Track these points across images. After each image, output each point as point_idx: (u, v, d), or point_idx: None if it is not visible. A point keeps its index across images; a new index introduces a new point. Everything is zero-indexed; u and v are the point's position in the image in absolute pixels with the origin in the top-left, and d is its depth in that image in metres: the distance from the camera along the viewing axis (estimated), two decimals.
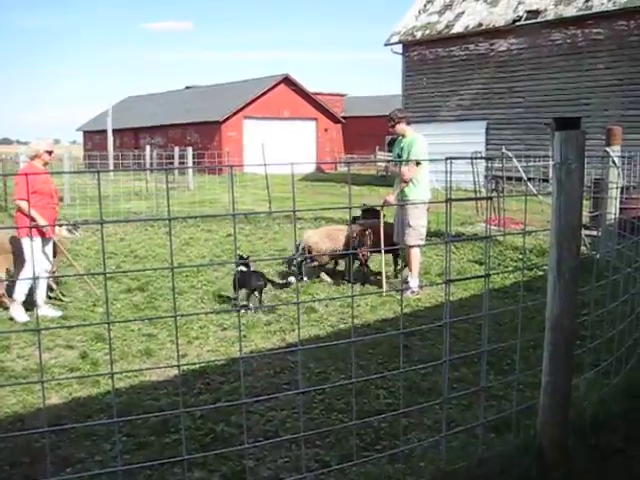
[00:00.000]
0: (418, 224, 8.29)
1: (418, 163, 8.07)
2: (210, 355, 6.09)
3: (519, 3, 23.85)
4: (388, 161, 29.37)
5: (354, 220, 9.33)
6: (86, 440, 4.34)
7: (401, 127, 8.52)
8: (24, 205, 7.16)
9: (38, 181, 7.29)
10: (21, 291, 7.35)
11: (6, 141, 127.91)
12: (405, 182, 8.24)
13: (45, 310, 7.51)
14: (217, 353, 6.15)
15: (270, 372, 5.54)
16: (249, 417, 4.54)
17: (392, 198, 8.37)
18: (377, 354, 5.89)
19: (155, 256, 11.32)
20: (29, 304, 7.42)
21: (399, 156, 8.63)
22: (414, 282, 8.32)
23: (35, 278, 6.96)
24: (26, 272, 7.45)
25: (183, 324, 6.86)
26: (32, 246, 6.93)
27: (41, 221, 7.23)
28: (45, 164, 7.58)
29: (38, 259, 7.31)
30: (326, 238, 9.13)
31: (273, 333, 6.68)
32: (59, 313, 7.57)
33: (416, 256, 8.50)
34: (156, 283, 8.96)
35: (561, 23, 22.21)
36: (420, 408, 4.32)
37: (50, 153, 7.54)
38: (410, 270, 8.42)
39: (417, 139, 8.46)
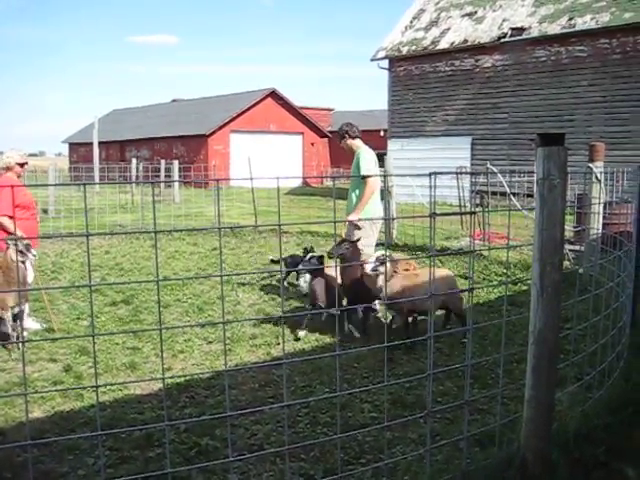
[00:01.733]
0: (362, 243, 7.56)
1: (363, 177, 7.69)
2: (195, 368, 6.07)
3: (504, 20, 24.13)
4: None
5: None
6: (69, 454, 4.31)
7: (350, 142, 8.10)
8: (6, 222, 6.96)
9: (19, 194, 7.21)
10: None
11: None
12: (364, 199, 7.73)
13: (29, 323, 7.45)
14: (202, 367, 6.12)
15: (255, 386, 5.53)
16: (234, 431, 4.53)
17: (354, 216, 7.68)
18: (362, 368, 5.90)
19: (140, 269, 11.28)
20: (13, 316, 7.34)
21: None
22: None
23: (18, 290, 6.85)
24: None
25: (168, 337, 6.84)
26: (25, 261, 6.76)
27: (20, 234, 6.83)
28: (18, 176, 7.44)
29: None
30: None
31: (258, 347, 6.66)
32: (42, 326, 7.51)
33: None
34: (141, 296, 8.92)
35: (545, 40, 22.48)
36: (404, 422, 4.34)
37: (22, 165, 7.41)
38: None
39: (362, 152, 7.95)
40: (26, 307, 7.55)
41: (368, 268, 6.56)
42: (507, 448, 3.52)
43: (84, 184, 2.61)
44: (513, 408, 4.40)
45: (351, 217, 7.73)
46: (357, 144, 8.12)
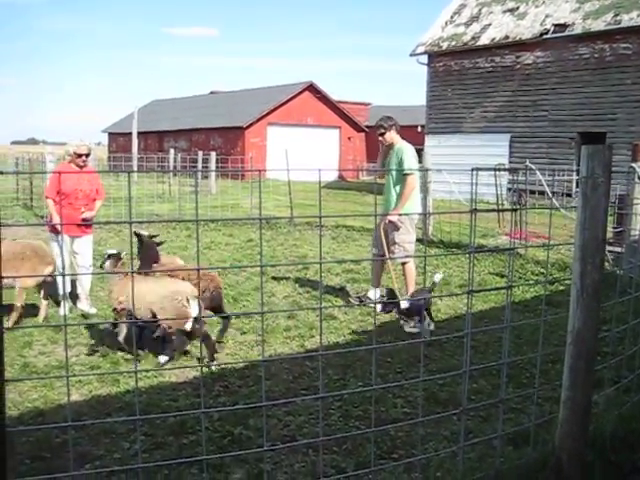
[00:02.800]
0: (404, 240, 7.86)
1: (406, 174, 7.67)
2: (229, 358, 6.13)
3: (546, 16, 23.77)
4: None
5: None
6: (105, 437, 4.39)
7: (390, 135, 8.03)
8: (48, 203, 7.62)
9: (64, 182, 7.44)
10: (57, 286, 7.64)
11: (32, 141, 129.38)
12: (405, 196, 7.74)
13: (84, 306, 7.79)
14: (236, 357, 6.18)
15: (289, 377, 5.56)
16: (267, 421, 4.56)
17: (395, 214, 7.68)
18: (395, 363, 5.89)
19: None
20: (74, 298, 7.85)
21: (383, 165, 8.28)
22: (372, 293, 8.22)
23: (63, 275, 7.29)
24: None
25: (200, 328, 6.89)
26: (58, 243, 7.24)
27: (55, 219, 7.41)
28: (77, 165, 7.60)
29: (59, 255, 7.36)
30: None
31: (292, 339, 6.70)
32: (93, 310, 7.74)
33: (409, 274, 7.98)
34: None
35: (589, 37, 22.09)
36: (438, 418, 4.33)
37: (80, 155, 7.55)
38: (407, 288, 8.01)
39: (406, 148, 7.93)
40: (84, 290, 7.79)
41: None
42: (541, 448, 3.49)
43: (129, 172, 2.65)
44: (548, 408, 4.36)
45: (392, 216, 7.71)
46: (398, 139, 8.08)
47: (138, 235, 7.06)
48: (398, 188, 7.85)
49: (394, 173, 7.86)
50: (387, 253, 7.86)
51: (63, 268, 6.66)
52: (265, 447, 3.26)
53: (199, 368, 5.62)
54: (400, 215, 7.69)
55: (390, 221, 7.75)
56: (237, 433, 4.42)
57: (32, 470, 3.87)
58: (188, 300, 5.65)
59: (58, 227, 7.31)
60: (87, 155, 7.66)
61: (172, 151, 28.19)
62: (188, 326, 5.69)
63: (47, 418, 4.70)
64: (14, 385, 5.16)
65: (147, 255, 7.08)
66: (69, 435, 3.90)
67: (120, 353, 6.19)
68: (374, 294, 8.20)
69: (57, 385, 5.31)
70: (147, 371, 5.60)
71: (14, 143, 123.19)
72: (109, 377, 5.47)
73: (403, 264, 7.99)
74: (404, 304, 6.69)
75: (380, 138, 8.14)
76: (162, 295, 5.81)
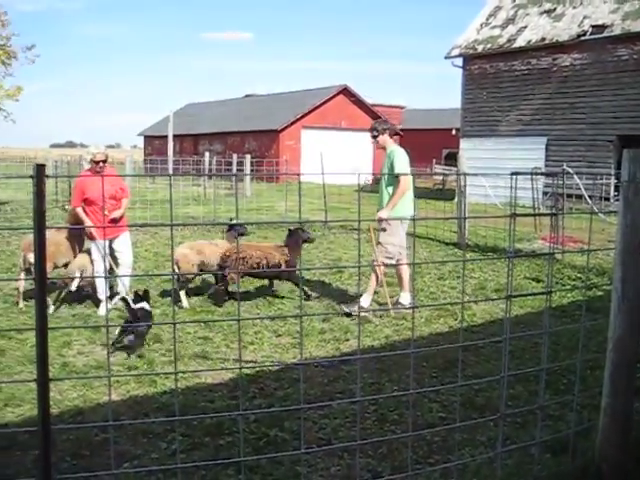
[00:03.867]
0: (387, 241, 7.84)
1: (396, 176, 7.66)
2: (264, 360, 6.15)
3: (584, 17, 23.46)
4: (444, 174, 29.18)
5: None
6: (143, 437, 4.44)
7: (383, 139, 8.06)
8: (77, 212, 7.82)
9: (88, 188, 7.71)
10: (97, 289, 7.88)
11: (70, 144, 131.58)
12: (396, 198, 7.73)
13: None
14: (271, 359, 6.21)
15: (324, 380, 5.57)
16: (303, 424, 4.58)
17: (385, 214, 7.70)
18: (430, 367, 5.86)
19: None
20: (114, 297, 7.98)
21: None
22: (405, 299, 8.13)
23: (99, 277, 7.56)
24: (96, 272, 7.86)
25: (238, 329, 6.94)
26: (93, 248, 7.65)
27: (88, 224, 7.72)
28: (97, 171, 7.69)
29: (97, 260, 7.75)
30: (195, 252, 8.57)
31: (327, 342, 6.71)
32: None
33: (404, 273, 8.09)
34: (212, 288, 9.08)
35: (628, 38, 21.74)
36: (474, 423, 4.29)
37: (97, 163, 7.65)
38: (400, 288, 8.20)
39: (397, 151, 7.96)
40: (125, 288, 7.92)
41: None
42: (581, 457, 3.44)
43: (170, 175, 2.69)
44: (587, 416, 4.30)
45: (381, 214, 7.75)
46: (390, 142, 8.15)
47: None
48: (390, 190, 7.83)
49: (387, 176, 7.90)
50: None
51: (104, 271, 6.82)
52: (302, 450, 3.27)
53: (234, 370, 5.68)
54: (386, 217, 7.67)
55: (379, 221, 7.77)
56: (273, 435, 4.44)
57: (72, 467, 3.94)
58: None
59: (93, 233, 7.64)
60: (104, 161, 7.74)
61: (207, 154, 28.44)
62: None
63: (86, 417, 4.78)
64: (54, 384, 5.24)
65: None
66: (110, 434, 3.96)
67: (155, 354, 6.26)
68: (405, 299, 8.16)
69: (95, 385, 5.39)
70: (184, 372, 5.65)
71: (53, 146, 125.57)
72: (146, 378, 5.54)
73: (395, 266, 8.04)
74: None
75: (372, 141, 8.27)
76: None
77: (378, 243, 7.96)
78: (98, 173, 7.69)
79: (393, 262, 7.99)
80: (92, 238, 7.80)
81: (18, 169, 27.64)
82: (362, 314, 7.39)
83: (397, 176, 7.67)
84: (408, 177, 7.75)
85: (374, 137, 8.14)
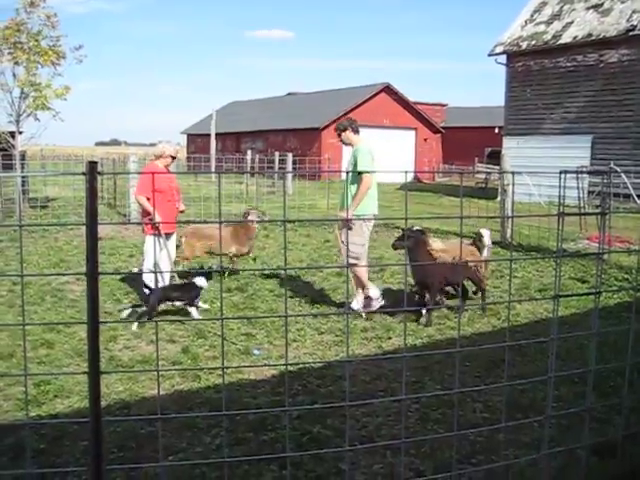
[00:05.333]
0: (352, 241, 7.59)
1: (359, 173, 7.50)
2: (307, 358, 6.19)
3: (633, 12, 22.92)
4: (489, 172, 28.87)
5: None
6: (187, 431, 4.51)
7: (346, 135, 7.97)
8: (142, 201, 7.88)
9: (158, 180, 7.83)
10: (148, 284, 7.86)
11: (115, 142, 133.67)
12: (359, 196, 7.58)
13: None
14: (314, 356, 6.24)
15: (366, 378, 5.57)
16: (345, 421, 4.59)
17: (343, 213, 7.64)
18: (474, 367, 5.82)
19: (254, 258, 11.56)
20: None
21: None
22: (355, 302, 7.88)
23: (155, 272, 7.74)
24: (145, 267, 8.16)
25: (281, 326, 7.00)
26: (152, 243, 7.73)
27: (157, 218, 7.67)
28: (166, 166, 8.09)
29: (150, 254, 7.93)
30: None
31: (369, 340, 6.71)
32: (206, 307, 7.96)
33: (359, 275, 7.87)
34: (255, 284, 9.16)
35: None
36: (519, 424, 4.26)
37: (174, 158, 8.20)
38: (355, 289, 7.97)
39: (361, 149, 7.79)
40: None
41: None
42: (629, 461, 3.39)
43: (219, 173, 2.72)
44: (635, 420, 4.23)
45: (342, 213, 7.70)
46: (357, 139, 7.99)
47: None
48: (354, 188, 7.65)
49: (351, 174, 7.80)
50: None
51: (155, 265, 6.99)
52: (345, 447, 3.28)
53: (277, 367, 5.72)
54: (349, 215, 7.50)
55: (344, 220, 7.60)
56: (316, 432, 4.47)
57: (119, 459, 4.02)
58: None
59: (158, 225, 7.70)
60: (176, 157, 8.33)
61: (249, 152, 28.62)
62: None
63: (132, 410, 4.88)
64: (102, 377, 5.34)
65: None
66: (157, 427, 4.03)
67: (200, 349, 6.35)
68: (358, 302, 7.97)
69: (141, 379, 5.49)
70: (228, 368, 5.72)
71: (98, 144, 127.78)
72: (190, 373, 5.62)
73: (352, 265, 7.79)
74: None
75: (337, 139, 8.22)
76: None
77: (342, 242, 7.88)
78: (167, 167, 8.11)
79: (362, 263, 7.82)
80: (155, 230, 7.79)
81: (65, 167, 28.16)
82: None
83: (360, 174, 7.52)
84: (370, 175, 7.56)
85: (338, 135, 8.11)
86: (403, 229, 7.29)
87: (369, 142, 8.14)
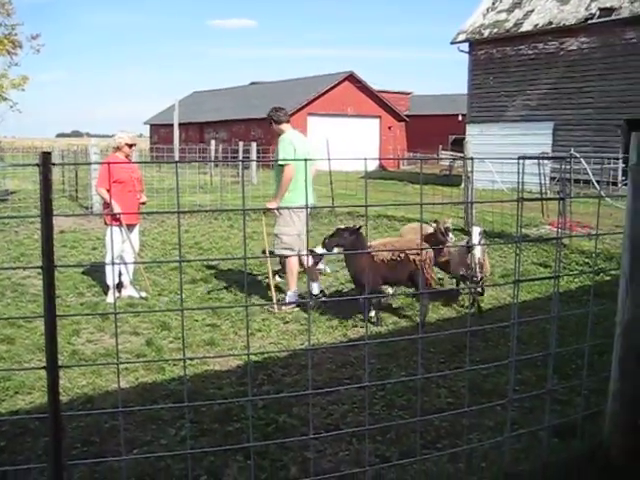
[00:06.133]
0: (281, 232, 7.76)
1: (281, 165, 7.55)
2: (272, 347, 6.17)
3: (592, 0, 23.23)
4: (454, 159, 29.09)
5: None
6: (152, 424, 4.46)
7: (275, 127, 7.95)
8: (102, 193, 7.83)
9: (118, 171, 7.76)
10: (107, 276, 7.82)
11: (76, 134, 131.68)
12: (282, 187, 7.63)
13: (131, 291, 8.07)
14: (279, 346, 6.22)
15: (332, 366, 5.58)
16: (311, 410, 4.60)
17: (273, 204, 7.63)
18: (438, 353, 5.87)
19: (219, 248, 11.50)
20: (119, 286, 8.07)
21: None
22: (289, 295, 7.74)
23: (113, 264, 7.62)
24: (107, 259, 8.12)
25: (245, 316, 6.95)
26: (111, 234, 7.51)
27: (117, 209, 7.64)
28: (126, 156, 8.02)
29: (110, 246, 7.77)
30: None
31: (335, 328, 6.72)
32: (140, 295, 7.99)
33: (289, 267, 7.88)
34: (220, 275, 9.11)
35: (636, 21, 21.50)
36: (482, 408, 4.30)
37: (131, 146, 8.02)
38: (288, 283, 7.92)
39: (282, 140, 7.75)
40: (128, 275, 8.00)
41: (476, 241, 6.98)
42: (589, 441, 3.45)
43: (176, 162, 2.68)
44: (594, 401, 4.29)
45: (269, 204, 7.72)
46: (282, 129, 7.90)
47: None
48: (279, 179, 7.69)
49: (276, 165, 7.78)
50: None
51: (112, 258, 6.89)
52: (310, 435, 3.28)
53: (242, 357, 5.70)
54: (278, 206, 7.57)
55: (271, 211, 7.69)
56: (281, 421, 4.46)
57: (83, 454, 3.97)
58: None
59: (118, 217, 7.68)
60: (134, 145, 8.18)
61: (213, 142, 28.40)
62: None
63: (96, 404, 4.81)
64: (64, 372, 5.27)
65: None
66: (119, 421, 3.98)
67: (164, 341, 6.30)
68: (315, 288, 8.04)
69: (104, 372, 5.42)
70: (192, 359, 5.68)
71: (59, 136, 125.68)
72: (155, 365, 5.56)
73: (285, 257, 7.87)
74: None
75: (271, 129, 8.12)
76: None
77: (274, 234, 7.90)
78: (127, 157, 8.04)
79: (293, 253, 7.78)
80: (116, 221, 7.76)
81: (25, 159, 27.65)
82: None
83: (281, 165, 7.53)
84: (292, 166, 7.47)
85: (269, 124, 8.07)
86: (338, 228, 7.21)
87: (294, 132, 8.03)
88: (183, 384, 5.01)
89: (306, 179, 6.22)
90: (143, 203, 8.24)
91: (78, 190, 18.94)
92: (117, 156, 8.01)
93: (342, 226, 7.34)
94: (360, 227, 6.94)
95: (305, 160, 6.60)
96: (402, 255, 6.72)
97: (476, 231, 7.10)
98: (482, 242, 6.83)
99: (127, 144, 7.94)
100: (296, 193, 7.59)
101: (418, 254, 6.64)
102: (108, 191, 7.59)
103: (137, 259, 8.29)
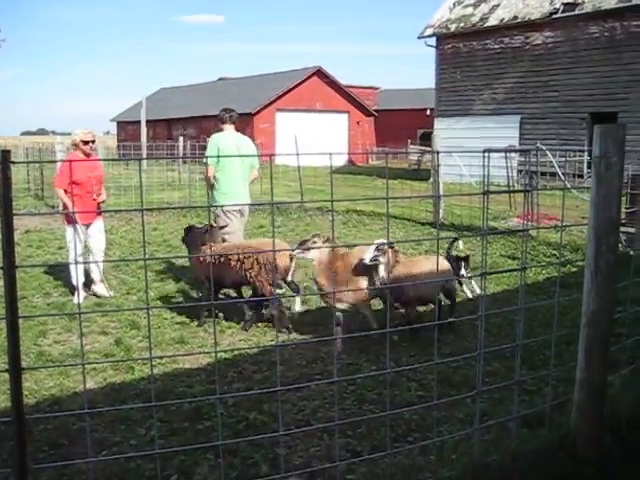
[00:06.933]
0: (225, 231, 7.94)
1: (206, 163, 7.95)
2: (242, 344, 6.15)
3: None
4: (422, 153, 29.24)
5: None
6: (121, 424, 4.42)
7: (220, 126, 8.32)
8: (59, 194, 7.84)
9: (76, 171, 7.57)
10: (71, 276, 7.69)
11: (42, 131, 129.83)
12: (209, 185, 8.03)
13: (101, 289, 7.99)
14: (249, 342, 6.21)
15: (302, 362, 5.58)
16: (281, 406, 4.58)
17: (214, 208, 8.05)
18: (409, 347, 5.90)
19: None
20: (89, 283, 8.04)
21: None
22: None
23: (76, 263, 7.36)
24: (70, 258, 8.13)
25: (213, 314, 6.92)
26: (71, 233, 7.53)
27: (69, 209, 7.72)
28: (86, 154, 7.78)
29: (71, 245, 7.83)
30: None
31: (305, 324, 6.71)
32: (110, 294, 7.92)
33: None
34: (189, 273, 9.03)
35: (599, 16, 21.80)
36: (452, 401, 4.33)
37: (86, 143, 7.74)
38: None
39: (211, 139, 8.16)
40: (99, 273, 7.89)
41: (367, 258, 5.81)
42: (557, 430, 3.48)
43: (139, 159, 2.65)
44: (562, 390, 4.34)
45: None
46: (222, 128, 8.26)
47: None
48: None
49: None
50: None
51: (76, 257, 6.79)
52: (280, 432, 3.27)
53: (212, 355, 5.66)
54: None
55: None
56: (252, 418, 4.45)
57: (50, 457, 3.91)
58: None
59: (75, 217, 7.56)
60: (93, 142, 7.90)
61: (181, 139, 28.12)
62: None
63: (63, 406, 4.75)
64: (30, 374, 5.20)
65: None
66: (86, 422, 3.93)
67: (133, 340, 6.24)
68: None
69: (72, 373, 5.35)
70: (161, 358, 5.63)
71: (24, 134, 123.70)
72: (123, 365, 5.51)
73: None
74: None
75: None
76: None
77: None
78: (88, 155, 7.81)
79: None
80: (70, 221, 7.69)
81: None
82: None
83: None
84: (210, 166, 7.84)
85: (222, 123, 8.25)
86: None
87: (230, 133, 8.27)
88: (152, 383, 4.97)
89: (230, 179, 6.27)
90: (102, 202, 8.01)
91: (44, 189, 18.65)
92: (76, 154, 7.84)
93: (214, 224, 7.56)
94: (211, 226, 7.17)
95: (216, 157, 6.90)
96: (234, 258, 6.59)
97: (372, 247, 5.89)
98: (382, 259, 5.78)
99: (82, 141, 7.70)
100: (222, 193, 7.93)
101: (257, 260, 6.57)
102: (66, 191, 7.58)
103: (103, 257, 8.17)
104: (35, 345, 6.08)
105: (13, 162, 2.37)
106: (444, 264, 6.47)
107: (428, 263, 6.18)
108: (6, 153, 2.38)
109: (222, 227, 7.71)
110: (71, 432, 4.24)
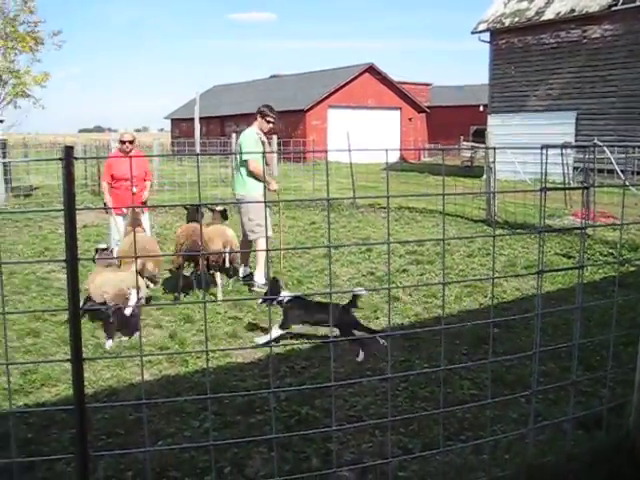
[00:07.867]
0: (250, 218, 8.12)
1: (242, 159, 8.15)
2: (294, 339, 6.18)
3: None
4: (472, 148, 28.88)
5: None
6: (175, 416, 4.50)
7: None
8: (102, 186, 9.09)
9: (113, 167, 8.68)
10: None
11: (98, 129, 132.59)
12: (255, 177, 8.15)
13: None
14: (301, 338, 6.23)
15: (354, 359, 5.58)
16: (334, 402, 4.60)
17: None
18: (461, 344, 5.84)
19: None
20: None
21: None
22: (259, 276, 8.20)
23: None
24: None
25: (268, 308, 6.97)
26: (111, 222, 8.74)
27: (107, 202, 8.69)
28: (125, 152, 8.74)
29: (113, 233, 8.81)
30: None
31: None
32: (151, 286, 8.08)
33: (262, 249, 8.43)
34: (241, 268, 9.12)
35: None
36: (505, 400, 4.28)
37: (124, 142, 8.74)
38: (257, 264, 8.38)
39: (242, 135, 8.56)
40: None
41: None
42: (615, 433, 3.41)
43: (197, 155, 2.69)
44: (620, 392, 4.26)
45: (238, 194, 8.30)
46: (255, 124, 8.70)
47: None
48: (242, 171, 8.22)
49: (238, 157, 8.43)
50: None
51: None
52: (333, 427, 3.28)
53: (265, 349, 5.72)
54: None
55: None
56: (304, 413, 4.47)
57: (108, 445, 4.01)
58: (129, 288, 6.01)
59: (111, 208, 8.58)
60: (130, 142, 8.78)
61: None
62: (127, 311, 6.03)
63: (120, 396, 4.86)
64: (89, 364, 5.33)
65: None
66: (143, 413, 4.01)
67: (187, 334, 6.34)
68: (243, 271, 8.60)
69: (128, 365, 5.47)
70: (214, 351, 5.71)
71: (81, 131, 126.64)
72: (178, 357, 5.61)
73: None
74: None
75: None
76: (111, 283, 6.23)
77: (249, 220, 8.21)
78: (126, 153, 8.71)
79: (262, 238, 8.10)
80: (119, 212, 8.68)
81: (48, 154, 27.89)
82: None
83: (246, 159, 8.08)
84: (255, 157, 8.02)
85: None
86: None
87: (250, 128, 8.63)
88: (206, 376, 5.04)
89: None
90: (145, 200, 8.95)
91: (100, 185, 19.07)
92: (116, 151, 9.01)
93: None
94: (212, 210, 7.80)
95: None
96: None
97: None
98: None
99: (120, 140, 8.87)
100: (251, 185, 8.19)
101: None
102: (108, 184, 8.73)
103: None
104: (93, 337, 6.23)
105: (76, 158, 2.43)
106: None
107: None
108: (69, 149, 2.44)
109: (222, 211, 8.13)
110: (127, 422, 4.34)
